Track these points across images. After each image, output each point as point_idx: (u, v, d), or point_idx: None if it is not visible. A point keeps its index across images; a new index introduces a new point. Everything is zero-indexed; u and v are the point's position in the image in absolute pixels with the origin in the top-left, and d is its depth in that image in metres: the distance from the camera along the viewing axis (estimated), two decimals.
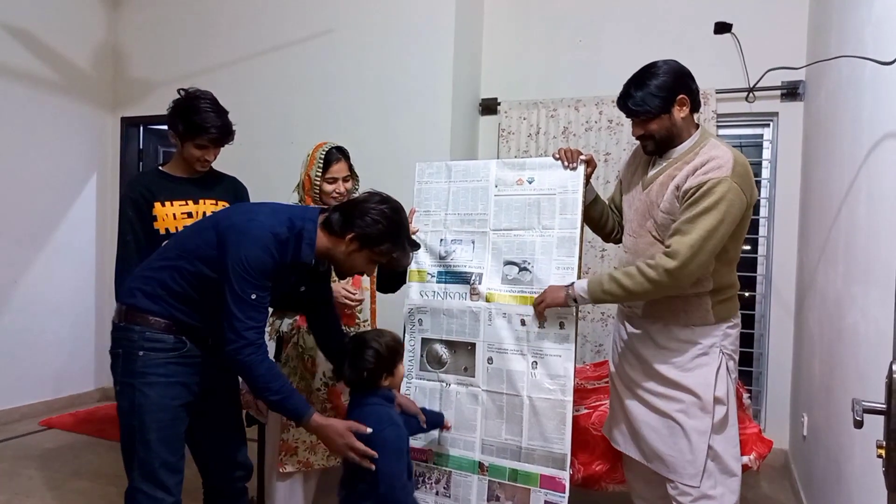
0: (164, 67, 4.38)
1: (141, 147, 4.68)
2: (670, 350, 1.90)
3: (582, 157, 2.05)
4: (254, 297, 1.68)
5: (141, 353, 1.77)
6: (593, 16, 3.86)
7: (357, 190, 2.39)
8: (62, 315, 4.39)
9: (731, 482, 1.87)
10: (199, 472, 2.07)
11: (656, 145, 1.91)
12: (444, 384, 2.20)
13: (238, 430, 2.07)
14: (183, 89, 2.30)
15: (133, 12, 4.54)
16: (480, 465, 2.12)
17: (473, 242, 2.22)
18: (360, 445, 1.72)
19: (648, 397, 1.94)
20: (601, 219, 2.17)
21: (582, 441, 2.33)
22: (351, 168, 2.35)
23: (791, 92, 3.49)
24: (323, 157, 2.27)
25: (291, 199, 2.35)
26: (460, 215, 2.25)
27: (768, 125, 3.69)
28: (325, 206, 1.95)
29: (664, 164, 1.92)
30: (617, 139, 3.63)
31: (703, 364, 1.87)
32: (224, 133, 2.27)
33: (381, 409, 1.82)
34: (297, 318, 2.28)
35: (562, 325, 2.03)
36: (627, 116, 1.92)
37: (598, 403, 2.44)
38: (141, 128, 4.64)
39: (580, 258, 2.04)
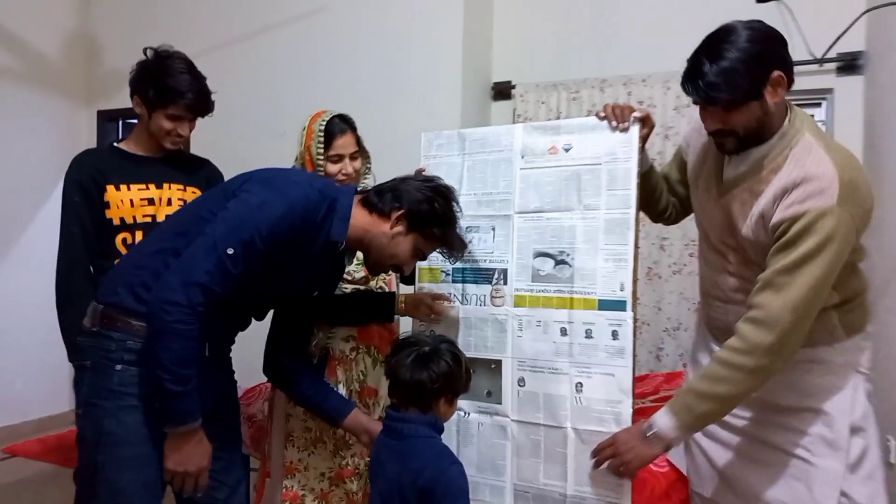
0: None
1: (120, 138, 4.29)
2: (785, 372, 1.42)
3: (635, 115, 1.58)
4: (231, 251, 1.29)
5: (118, 366, 1.36)
6: None
7: (369, 172, 1.95)
8: (30, 329, 3.93)
9: None
10: None
11: (740, 143, 1.40)
12: (462, 413, 1.73)
13: (237, 465, 1.64)
14: (151, 48, 1.91)
15: (106, 1, 4.20)
16: None
17: (494, 230, 1.75)
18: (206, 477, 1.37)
19: (754, 428, 1.46)
20: (654, 193, 1.69)
21: (638, 478, 1.84)
22: (359, 142, 1.90)
23: (849, 64, 3.04)
24: (323, 128, 1.82)
25: None
26: (477, 196, 1.78)
27: (820, 104, 3.23)
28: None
29: (744, 169, 1.43)
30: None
31: (832, 387, 1.39)
32: (202, 100, 1.89)
33: (439, 443, 1.44)
34: (356, 332, 1.84)
35: (615, 335, 1.56)
36: (698, 103, 1.40)
37: None
38: (120, 122, 4.29)
39: (636, 246, 1.57)
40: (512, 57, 3.63)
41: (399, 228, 1.47)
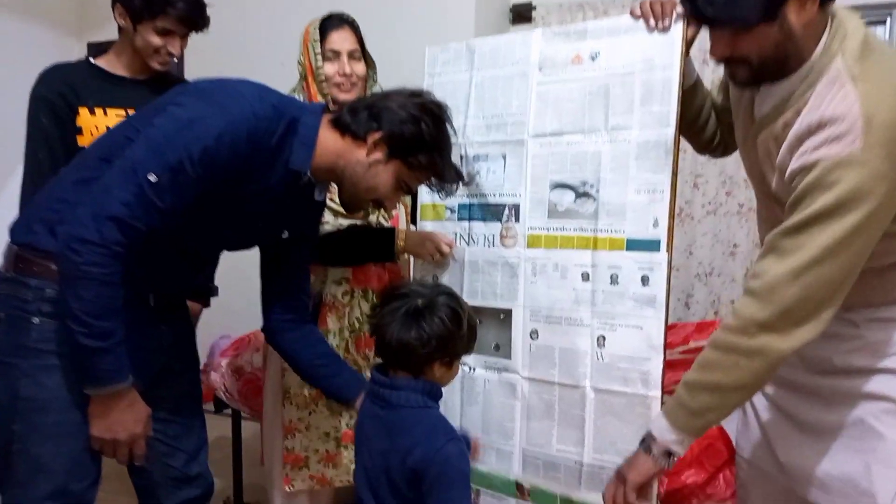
0: None
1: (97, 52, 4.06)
2: (858, 332, 1.15)
3: (679, 10, 1.28)
4: (153, 178, 1.06)
5: (36, 319, 1.15)
6: None
7: (375, 83, 1.71)
8: None
9: None
10: (137, 494, 1.44)
11: (755, 74, 1.09)
12: (467, 368, 1.52)
13: (196, 430, 1.44)
14: None
15: None
16: (519, 486, 1.46)
17: (504, 158, 1.49)
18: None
19: (817, 389, 1.21)
20: (700, 116, 1.39)
21: None
22: (362, 43, 1.66)
23: None
24: (318, 27, 1.62)
25: None
26: (486, 119, 1.52)
27: (884, 22, 2.86)
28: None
29: (767, 111, 1.13)
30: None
31: None
32: (196, 10, 1.63)
33: (434, 415, 1.21)
34: (350, 274, 1.63)
35: (645, 280, 1.31)
36: (700, 23, 1.14)
37: None
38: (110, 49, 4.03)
39: (675, 174, 1.30)
40: None
41: (377, 155, 1.21)
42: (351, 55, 1.61)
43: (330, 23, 1.63)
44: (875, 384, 1.14)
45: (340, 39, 1.61)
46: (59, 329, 1.12)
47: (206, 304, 1.81)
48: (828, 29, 1.07)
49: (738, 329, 1.06)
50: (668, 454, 1.14)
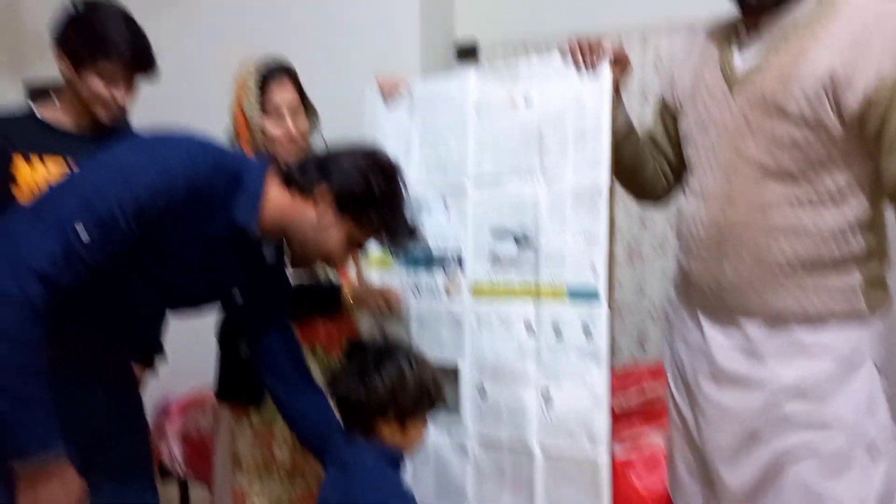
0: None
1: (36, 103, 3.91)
2: (789, 361, 1.12)
3: (607, 53, 1.26)
4: (81, 230, 0.99)
5: None
6: None
7: (317, 130, 1.63)
8: None
9: None
10: None
11: None
12: None
13: (150, 497, 1.33)
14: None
15: None
16: None
17: (445, 202, 1.44)
18: None
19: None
20: (638, 160, 1.35)
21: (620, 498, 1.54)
22: (303, 94, 1.57)
23: None
24: (256, 77, 1.51)
25: None
26: (426, 160, 1.48)
27: None
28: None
29: (770, 41, 1.11)
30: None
31: (848, 386, 1.08)
32: (142, 53, 1.52)
33: (380, 474, 1.15)
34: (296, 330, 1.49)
35: (587, 332, 1.26)
36: None
37: (644, 439, 1.66)
38: (53, 96, 3.89)
39: (612, 222, 1.26)
40: (477, 11, 3.32)
41: (327, 213, 1.16)
42: (294, 111, 1.53)
43: (269, 75, 1.53)
44: (801, 432, 1.10)
45: (281, 94, 1.51)
46: None
47: (151, 364, 1.69)
48: None
49: None
50: None
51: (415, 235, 1.28)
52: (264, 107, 1.51)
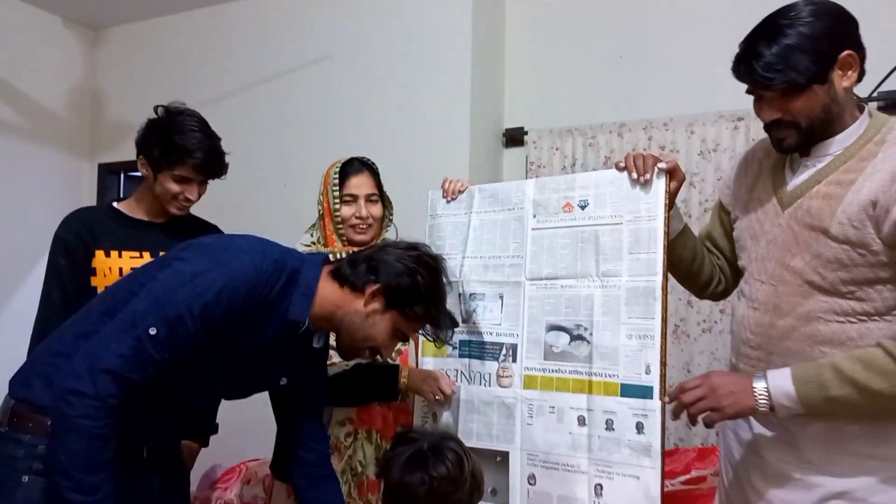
0: (146, 108, 3.89)
1: (121, 196, 4.17)
2: (864, 465, 1.15)
3: (661, 166, 1.36)
4: (153, 332, 1.08)
5: (25, 477, 1.13)
6: (633, 28, 3.29)
7: (391, 224, 1.76)
8: None
9: None
10: None
11: (802, 137, 1.19)
12: None
13: None
14: (162, 106, 1.75)
15: (113, 51, 4.15)
16: None
17: (502, 298, 1.53)
18: None
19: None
20: (693, 262, 1.44)
21: None
22: (380, 187, 1.72)
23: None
24: (338, 170, 1.69)
25: (300, 246, 1.71)
26: (484, 259, 1.57)
27: None
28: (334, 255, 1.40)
29: (821, 166, 1.21)
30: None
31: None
32: (214, 161, 1.70)
33: None
34: (354, 414, 1.61)
35: (640, 428, 1.31)
36: (752, 88, 1.21)
37: None
38: (121, 175, 4.16)
39: (664, 320, 1.33)
40: (524, 102, 3.47)
41: (375, 306, 1.24)
42: (368, 198, 1.68)
43: (350, 167, 1.69)
44: None
45: (359, 184, 1.67)
46: (47, 488, 1.10)
47: (205, 443, 1.78)
48: (865, 108, 1.22)
49: None
50: (771, 408, 1.16)
51: (456, 325, 1.38)
52: (342, 196, 1.66)
